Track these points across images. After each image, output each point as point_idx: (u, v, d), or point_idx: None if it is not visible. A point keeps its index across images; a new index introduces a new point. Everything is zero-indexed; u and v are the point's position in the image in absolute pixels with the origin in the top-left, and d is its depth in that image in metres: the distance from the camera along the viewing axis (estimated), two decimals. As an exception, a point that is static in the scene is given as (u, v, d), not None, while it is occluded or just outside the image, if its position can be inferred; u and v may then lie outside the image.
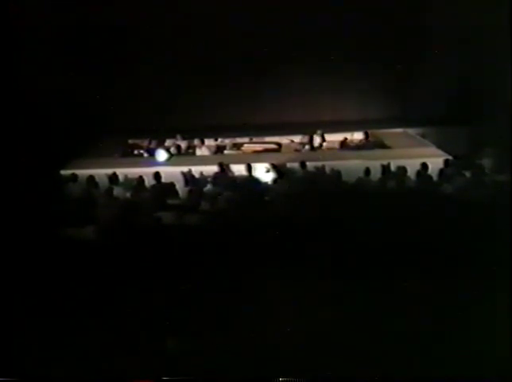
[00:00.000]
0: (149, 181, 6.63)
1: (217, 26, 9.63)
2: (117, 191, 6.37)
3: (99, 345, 3.44)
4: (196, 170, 7.33)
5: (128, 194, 6.39)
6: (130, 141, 9.92)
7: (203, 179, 7.14)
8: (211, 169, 7.21)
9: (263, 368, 3.27)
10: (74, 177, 7.09)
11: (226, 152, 9.52)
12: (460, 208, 4.87)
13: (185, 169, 7.29)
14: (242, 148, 9.63)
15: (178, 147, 9.07)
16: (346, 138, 9.47)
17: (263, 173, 7.06)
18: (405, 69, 9.92)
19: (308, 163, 7.16)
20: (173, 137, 9.56)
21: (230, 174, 7.16)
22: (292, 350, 3.36)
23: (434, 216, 4.45)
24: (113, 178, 6.77)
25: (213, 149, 9.56)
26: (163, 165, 7.81)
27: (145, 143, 9.70)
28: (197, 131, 9.69)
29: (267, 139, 9.74)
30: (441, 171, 6.56)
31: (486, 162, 6.86)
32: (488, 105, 8.15)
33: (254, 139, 9.80)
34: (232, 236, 4.33)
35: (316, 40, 9.68)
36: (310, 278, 3.82)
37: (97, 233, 4.76)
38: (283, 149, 9.43)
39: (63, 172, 7.58)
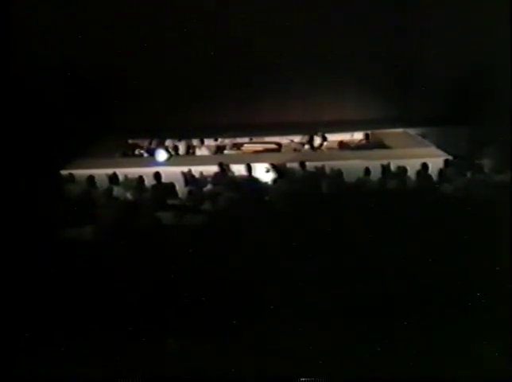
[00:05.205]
0: (149, 181, 6.64)
1: (217, 26, 9.62)
2: (117, 191, 6.38)
3: (99, 346, 3.44)
4: (196, 170, 7.34)
5: (128, 194, 6.40)
6: (130, 141, 9.93)
7: (203, 179, 7.15)
8: (211, 169, 7.22)
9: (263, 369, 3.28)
10: (74, 177, 7.12)
11: (226, 152, 9.54)
12: (460, 208, 4.87)
13: (185, 169, 7.29)
14: (242, 148, 9.65)
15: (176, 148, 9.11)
16: (342, 141, 9.50)
17: (263, 173, 7.07)
18: (405, 69, 9.93)
19: (308, 163, 7.17)
20: (171, 138, 9.57)
21: (230, 174, 7.16)
22: (291, 352, 3.36)
23: (434, 216, 4.45)
24: (113, 178, 6.78)
25: (213, 149, 9.58)
26: (163, 165, 7.81)
27: (145, 143, 9.72)
28: (197, 131, 9.70)
29: (267, 139, 9.75)
30: (441, 171, 6.56)
31: (486, 162, 6.86)
32: (488, 105, 8.15)
33: (254, 139, 9.81)
34: (232, 236, 4.33)
35: (316, 40, 9.68)
36: (310, 278, 3.82)
37: (97, 233, 4.76)
38: (283, 149, 9.44)
39: (63, 172, 7.58)
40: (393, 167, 6.80)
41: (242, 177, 6.92)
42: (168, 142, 9.45)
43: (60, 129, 8.73)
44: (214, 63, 9.75)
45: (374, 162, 6.88)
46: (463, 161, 7.09)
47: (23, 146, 7.66)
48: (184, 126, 9.66)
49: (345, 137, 9.69)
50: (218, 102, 9.97)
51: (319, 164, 7.27)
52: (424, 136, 9.27)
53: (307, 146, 9.35)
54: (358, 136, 9.65)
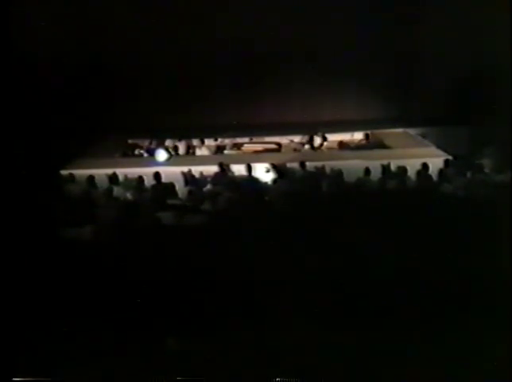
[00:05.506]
0: (149, 181, 6.64)
1: (217, 26, 9.63)
2: (117, 191, 6.38)
3: (99, 346, 3.44)
4: (196, 170, 7.34)
5: (128, 194, 6.40)
6: (130, 141, 9.93)
7: (203, 179, 7.15)
8: (211, 169, 7.22)
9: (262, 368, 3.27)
10: (74, 177, 7.13)
11: (226, 152, 9.54)
12: (460, 208, 4.87)
13: (185, 169, 7.30)
14: (242, 148, 9.65)
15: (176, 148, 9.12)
16: (342, 141, 9.51)
17: (263, 173, 7.07)
18: (405, 69, 9.93)
19: (308, 163, 7.17)
20: (171, 138, 9.58)
21: (230, 174, 7.16)
22: (290, 351, 3.36)
23: (434, 216, 4.45)
24: (113, 178, 6.78)
25: (213, 149, 9.58)
26: (163, 165, 7.81)
27: (145, 143, 9.72)
28: (197, 131, 9.70)
29: (267, 139, 9.75)
30: (441, 171, 6.56)
31: (486, 162, 6.86)
32: (488, 105, 8.15)
33: (254, 139, 9.81)
34: (232, 236, 4.33)
35: (316, 40, 9.68)
36: (310, 278, 3.82)
37: (97, 233, 4.76)
38: (283, 149, 9.44)
39: (63, 172, 7.58)
40: (393, 167, 6.79)
41: (242, 177, 6.92)
42: (168, 142, 9.45)
43: (60, 129, 8.73)
44: (214, 63, 9.75)
45: (374, 162, 6.88)
46: (463, 161, 7.08)
47: (23, 146, 7.66)
48: (184, 126, 9.67)
49: (345, 137, 9.69)
50: (218, 102, 9.98)
51: (319, 164, 7.27)
52: (424, 136, 9.27)
53: (307, 146, 9.35)
54: (358, 136, 9.64)
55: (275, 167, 7.00)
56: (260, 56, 9.72)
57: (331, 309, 3.59)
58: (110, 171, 6.94)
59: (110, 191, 6.27)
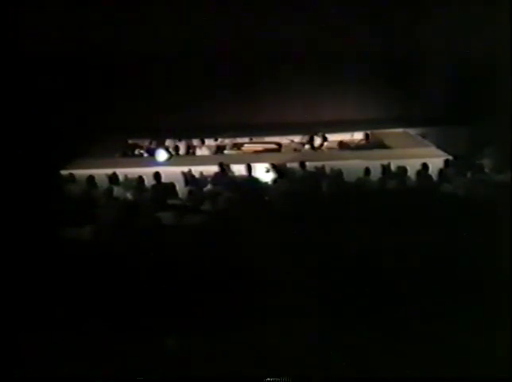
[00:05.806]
0: (149, 181, 6.64)
1: (217, 26, 9.62)
2: (117, 191, 6.38)
3: (99, 346, 3.44)
4: (196, 170, 7.34)
5: (128, 194, 6.40)
6: (130, 141, 9.93)
7: (203, 179, 7.15)
8: (211, 169, 7.22)
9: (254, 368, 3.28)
10: (74, 177, 7.13)
11: (226, 152, 9.54)
12: (460, 208, 4.87)
13: (185, 169, 7.30)
14: (242, 148, 9.65)
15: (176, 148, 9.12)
16: (342, 141, 9.51)
17: (263, 173, 7.07)
18: (405, 69, 9.93)
19: (308, 163, 7.17)
20: (171, 138, 9.58)
21: (230, 174, 7.16)
22: (286, 351, 3.36)
23: (434, 216, 4.45)
24: (113, 178, 6.78)
25: (213, 149, 9.58)
26: (163, 165, 7.81)
27: (145, 143, 9.72)
28: (197, 131, 9.70)
29: (267, 139, 9.76)
30: (441, 171, 6.56)
31: (486, 162, 6.86)
32: (488, 105, 8.15)
33: (254, 139, 9.82)
34: (232, 236, 4.33)
35: (316, 40, 9.68)
36: (310, 278, 3.82)
37: (97, 233, 4.76)
38: (283, 149, 9.44)
39: (63, 172, 7.59)
40: (393, 167, 6.80)
41: (242, 177, 6.92)
42: (168, 142, 9.45)
43: (60, 129, 8.73)
44: (214, 63, 9.75)
45: (374, 162, 6.88)
46: (463, 161, 7.09)
47: (23, 146, 7.67)
48: (184, 126, 9.67)
49: (345, 137, 9.69)
50: (218, 102, 9.98)
51: (319, 164, 7.27)
52: (424, 136, 9.27)
53: (307, 146, 9.35)
54: (358, 136, 9.65)
55: (275, 167, 7.00)
56: (260, 56, 9.72)
57: (331, 308, 3.59)
58: (110, 171, 6.95)
59: (110, 191, 6.27)
